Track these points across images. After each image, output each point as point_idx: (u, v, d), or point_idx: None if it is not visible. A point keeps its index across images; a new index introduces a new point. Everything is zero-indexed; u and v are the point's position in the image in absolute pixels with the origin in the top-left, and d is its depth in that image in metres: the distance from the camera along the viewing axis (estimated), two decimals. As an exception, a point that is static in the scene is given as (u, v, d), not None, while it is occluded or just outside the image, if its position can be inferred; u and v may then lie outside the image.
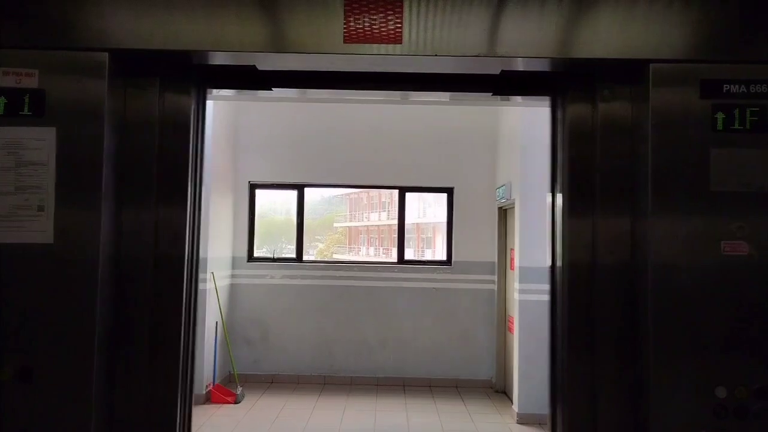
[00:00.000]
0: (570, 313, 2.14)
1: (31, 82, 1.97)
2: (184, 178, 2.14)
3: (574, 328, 2.13)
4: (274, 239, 8.29)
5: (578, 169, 2.16)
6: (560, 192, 2.21)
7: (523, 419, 5.97)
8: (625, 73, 2.11)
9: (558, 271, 2.23)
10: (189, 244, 2.18)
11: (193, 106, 2.20)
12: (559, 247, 2.21)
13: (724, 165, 1.97)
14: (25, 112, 1.96)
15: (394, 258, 7.67)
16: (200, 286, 6.32)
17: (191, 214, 2.18)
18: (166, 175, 2.13)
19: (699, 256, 1.97)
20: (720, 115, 1.98)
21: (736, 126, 1.98)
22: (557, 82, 2.23)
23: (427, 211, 10.55)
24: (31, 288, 1.95)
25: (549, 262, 2.30)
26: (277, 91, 2.38)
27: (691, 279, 1.96)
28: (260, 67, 2.20)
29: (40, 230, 1.95)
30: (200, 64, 2.19)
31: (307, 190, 7.66)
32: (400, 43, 2.03)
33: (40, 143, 1.96)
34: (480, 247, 7.36)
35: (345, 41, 2.02)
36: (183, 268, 2.14)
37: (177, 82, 2.29)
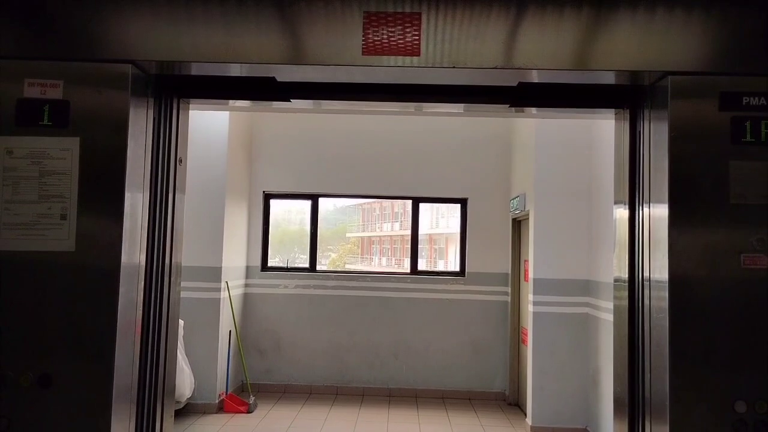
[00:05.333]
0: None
1: (56, 93, 2.00)
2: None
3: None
4: (288, 249, 8.31)
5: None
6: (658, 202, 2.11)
7: (536, 432, 5.92)
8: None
9: (645, 285, 2.15)
10: (158, 251, 2.21)
11: (173, 115, 2.31)
12: (647, 259, 2.13)
13: (744, 177, 1.96)
14: (50, 122, 2.00)
15: (406, 268, 7.66)
16: (214, 295, 6.43)
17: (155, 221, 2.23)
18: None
19: (718, 269, 1.95)
20: (739, 128, 1.97)
21: (756, 138, 1.97)
22: (634, 94, 2.20)
23: (439, 221, 10.52)
24: (53, 295, 1.98)
25: (617, 275, 2.28)
26: (295, 102, 2.40)
27: (710, 292, 1.95)
28: (279, 79, 2.22)
29: (63, 238, 1.98)
30: (219, 76, 2.23)
31: (320, 200, 7.69)
32: (418, 55, 2.04)
33: (64, 153, 1.99)
34: (493, 258, 7.34)
35: (363, 53, 2.04)
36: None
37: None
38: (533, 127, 6.22)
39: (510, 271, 7.20)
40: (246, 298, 7.36)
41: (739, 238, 1.95)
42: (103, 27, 2.06)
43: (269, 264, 7.59)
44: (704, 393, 1.92)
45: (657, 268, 2.05)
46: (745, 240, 1.95)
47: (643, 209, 2.18)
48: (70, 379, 1.95)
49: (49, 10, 2.06)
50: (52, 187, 1.99)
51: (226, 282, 6.59)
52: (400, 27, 2.05)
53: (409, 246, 7.66)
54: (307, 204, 7.68)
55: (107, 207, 1.99)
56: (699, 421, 1.91)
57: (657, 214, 2.07)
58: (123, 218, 1.99)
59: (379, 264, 14.73)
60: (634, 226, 2.22)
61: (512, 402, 7.06)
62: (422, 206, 7.72)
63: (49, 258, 1.98)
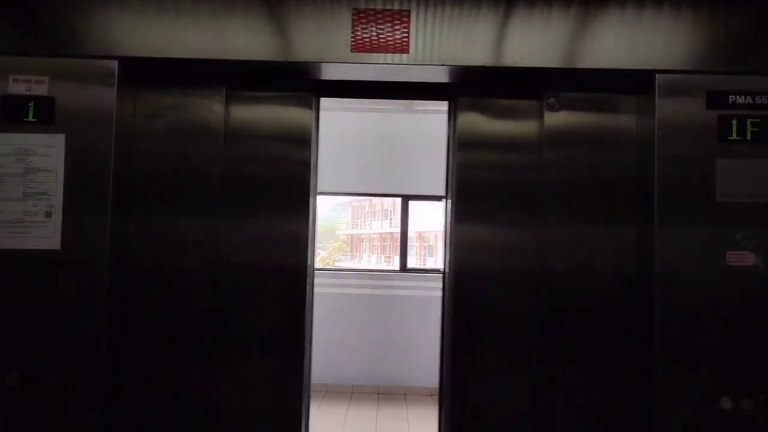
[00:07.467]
0: (455, 317, 2.21)
1: (41, 89, 1.98)
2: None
3: (458, 332, 2.20)
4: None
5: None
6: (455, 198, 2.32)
7: (525, 429, 5.94)
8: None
9: (447, 278, 2.30)
10: (310, 251, 2.31)
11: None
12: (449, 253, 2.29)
13: (731, 176, 1.97)
14: (35, 119, 1.97)
15: (396, 266, 7.66)
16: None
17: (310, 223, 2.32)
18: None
19: (704, 267, 1.97)
20: (726, 126, 1.98)
21: (742, 137, 1.99)
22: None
23: (429, 219, 10.56)
24: (39, 294, 1.95)
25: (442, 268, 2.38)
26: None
27: (696, 289, 1.96)
28: (267, 76, 2.21)
29: (47, 236, 1.96)
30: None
31: (310, 197, 7.67)
32: (407, 53, 2.04)
33: (49, 150, 1.97)
34: (482, 255, 7.35)
35: (352, 50, 2.04)
36: (305, 274, 2.30)
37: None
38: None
39: (499, 269, 7.23)
40: (235, 296, 7.32)
41: (725, 236, 1.97)
42: (90, 23, 2.04)
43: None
44: (690, 389, 1.94)
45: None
46: (731, 237, 1.97)
47: (448, 203, 2.37)
48: (56, 378, 1.93)
49: (35, 5, 2.04)
50: (37, 184, 1.96)
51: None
52: (389, 24, 2.04)
53: (398, 243, 7.66)
54: (296, 201, 7.66)
55: (93, 204, 1.97)
56: (684, 417, 1.93)
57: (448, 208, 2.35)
58: (109, 216, 1.97)
59: (368, 261, 14.74)
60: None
61: (501, 399, 7.09)
62: (412, 204, 7.72)
63: (34, 256, 1.96)
